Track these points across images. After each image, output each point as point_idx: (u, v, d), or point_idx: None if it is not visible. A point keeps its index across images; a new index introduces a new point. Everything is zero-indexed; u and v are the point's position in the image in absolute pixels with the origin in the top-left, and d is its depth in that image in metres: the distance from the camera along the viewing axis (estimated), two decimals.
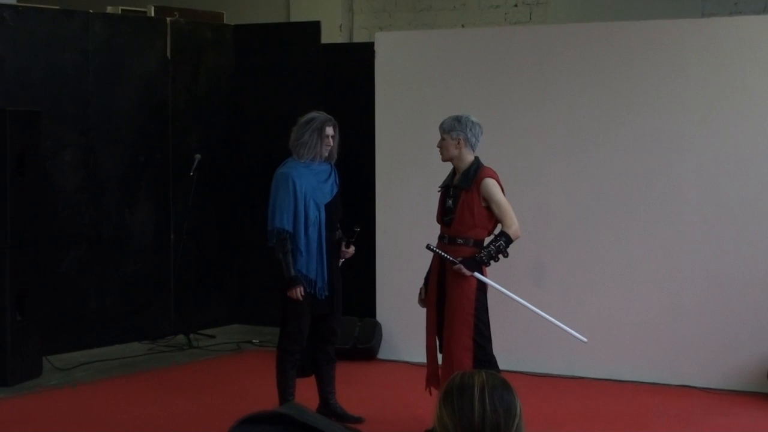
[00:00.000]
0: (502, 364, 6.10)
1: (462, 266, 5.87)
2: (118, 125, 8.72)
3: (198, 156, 8.82)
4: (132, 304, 8.82)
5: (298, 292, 6.08)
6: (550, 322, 6.21)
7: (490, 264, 5.94)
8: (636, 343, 7.49)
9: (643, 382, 7.43)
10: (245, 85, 9.49)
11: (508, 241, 5.90)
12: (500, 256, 5.90)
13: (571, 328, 6.26)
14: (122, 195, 8.77)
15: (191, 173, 8.79)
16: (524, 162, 7.72)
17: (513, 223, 5.93)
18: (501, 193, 5.98)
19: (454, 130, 6.01)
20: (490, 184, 5.96)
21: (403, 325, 7.98)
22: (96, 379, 7.65)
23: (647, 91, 7.48)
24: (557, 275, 7.67)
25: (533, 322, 7.27)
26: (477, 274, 5.91)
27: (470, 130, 6.02)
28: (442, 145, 6.07)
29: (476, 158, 6.06)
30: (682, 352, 7.38)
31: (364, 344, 8.15)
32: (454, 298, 5.95)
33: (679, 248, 7.40)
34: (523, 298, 6.21)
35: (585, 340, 6.24)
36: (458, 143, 6.00)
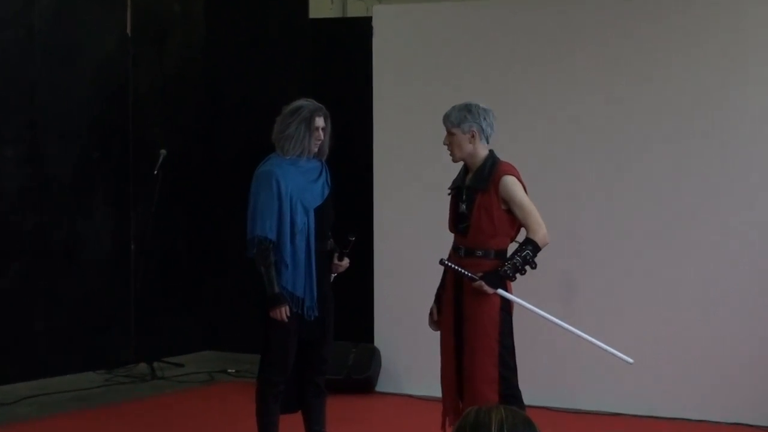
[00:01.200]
0: (526, 397, 6.03)
1: (483, 283, 5.79)
2: (69, 116, 8.72)
3: (163, 151, 8.81)
4: (86, 326, 8.79)
5: (283, 312, 6.04)
6: (592, 343, 6.12)
7: (516, 278, 5.87)
8: (680, 373, 7.47)
9: (688, 420, 7.41)
10: (220, 68, 9.50)
11: (536, 249, 5.82)
12: (527, 267, 5.82)
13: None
14: (74, 198, 8.76)
15: (155, 172, 8.78)
16: (547, 158, 7.70)
17: (540, 228, 5.85)
18: (523, 193, 5.90)
19: (465, 121, 5.92)
20: (510, 182, 5.88)
21: (405, 351, 7.98)
22: (43, 415, 7.61)
23: (697, 76, 7.43)
24: (588, 294, 7.63)
25: (561, 349, 7.23)
26: (501, 291, 5.83)
27: (484, 119, 5.94)
28: (451, 143, 5.94)
29: (491, 152, 5.98)
30: (734, 385, 7.35)
31: (360, 374, 8.16)
32: (475, 319, 5.87)
33: (732, 266, 7.37)
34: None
35: (631, 361, 6.17)
36: (472, 136, 5.93)
